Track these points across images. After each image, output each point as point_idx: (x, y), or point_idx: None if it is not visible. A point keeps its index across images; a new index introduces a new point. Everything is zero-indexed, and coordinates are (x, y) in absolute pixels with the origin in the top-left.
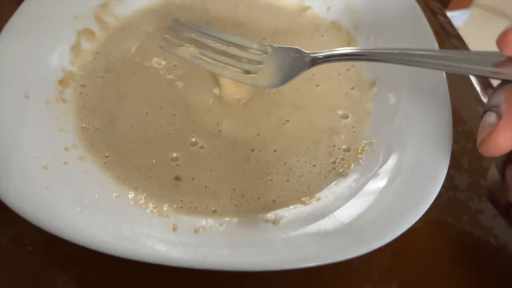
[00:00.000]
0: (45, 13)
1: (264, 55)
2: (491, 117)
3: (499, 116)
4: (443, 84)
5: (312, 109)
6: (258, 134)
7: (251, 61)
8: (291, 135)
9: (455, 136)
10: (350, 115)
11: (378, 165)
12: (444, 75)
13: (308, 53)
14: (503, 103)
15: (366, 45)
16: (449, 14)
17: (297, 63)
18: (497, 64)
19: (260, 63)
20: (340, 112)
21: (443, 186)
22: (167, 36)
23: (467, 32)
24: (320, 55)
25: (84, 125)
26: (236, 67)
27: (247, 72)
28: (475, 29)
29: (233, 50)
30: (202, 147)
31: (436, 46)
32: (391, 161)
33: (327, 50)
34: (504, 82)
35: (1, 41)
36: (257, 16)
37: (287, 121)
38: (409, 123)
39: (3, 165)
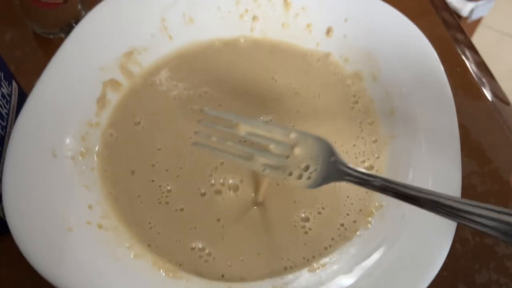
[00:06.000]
0: (72, 68)
1: (294, 142)
2: None
3: None
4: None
5: None
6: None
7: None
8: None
9: (482, 176)
10: None
11: (386, 232)
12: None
13: (341, 163)
14: None
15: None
16: (473, 4)
17: (330, 169)
18: None
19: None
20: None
21: (470, 232)
22: (198, 131)
23: (492, 20)
24: (354, 173)
25: (108, 177)
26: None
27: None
28: (501, 16)
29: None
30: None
31: (454, 112)
32: (398, 230)
33: (362, 172)
34: None
35: (30, 102)
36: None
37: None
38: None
39: (31, 228)
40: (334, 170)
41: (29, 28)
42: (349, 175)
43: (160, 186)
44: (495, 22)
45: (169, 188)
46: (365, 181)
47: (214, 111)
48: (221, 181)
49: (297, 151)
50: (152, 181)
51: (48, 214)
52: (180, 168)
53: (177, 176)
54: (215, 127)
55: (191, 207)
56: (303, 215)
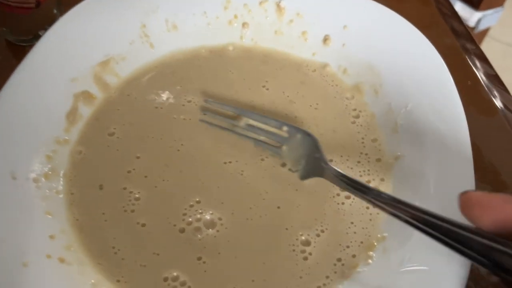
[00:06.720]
0: (39, 79)
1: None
2: None
3: None
4: None
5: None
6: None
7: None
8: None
9: None
10: None
11: (389, 269)
12: None
13: (323, 161)
14: None
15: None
16: (481, 14)
17: (314, 165)
18: None
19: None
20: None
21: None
22: (205, 113)
23: (499, 32)
24: (333, 172)
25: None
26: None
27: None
28: (508, 27)
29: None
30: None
31: (466, 131)
32: (403, 267)
33: (340, 172)
34: None
35: None
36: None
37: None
38: None
39: None
40: (316, 166)
41: (1, 35)
42: (328, 173)
43: (130, 192)
44: (502, 33)
45: (137, 195)
46: (342, 180)
47: (216, 103)
48: (197, 216)
49: (285, 148)
50: (124, 188)
51: (0, 247)
52: (163, 180)
53: (155, 186)
54: (217, 118)
55: (155, 225)
56: (303, 237)
